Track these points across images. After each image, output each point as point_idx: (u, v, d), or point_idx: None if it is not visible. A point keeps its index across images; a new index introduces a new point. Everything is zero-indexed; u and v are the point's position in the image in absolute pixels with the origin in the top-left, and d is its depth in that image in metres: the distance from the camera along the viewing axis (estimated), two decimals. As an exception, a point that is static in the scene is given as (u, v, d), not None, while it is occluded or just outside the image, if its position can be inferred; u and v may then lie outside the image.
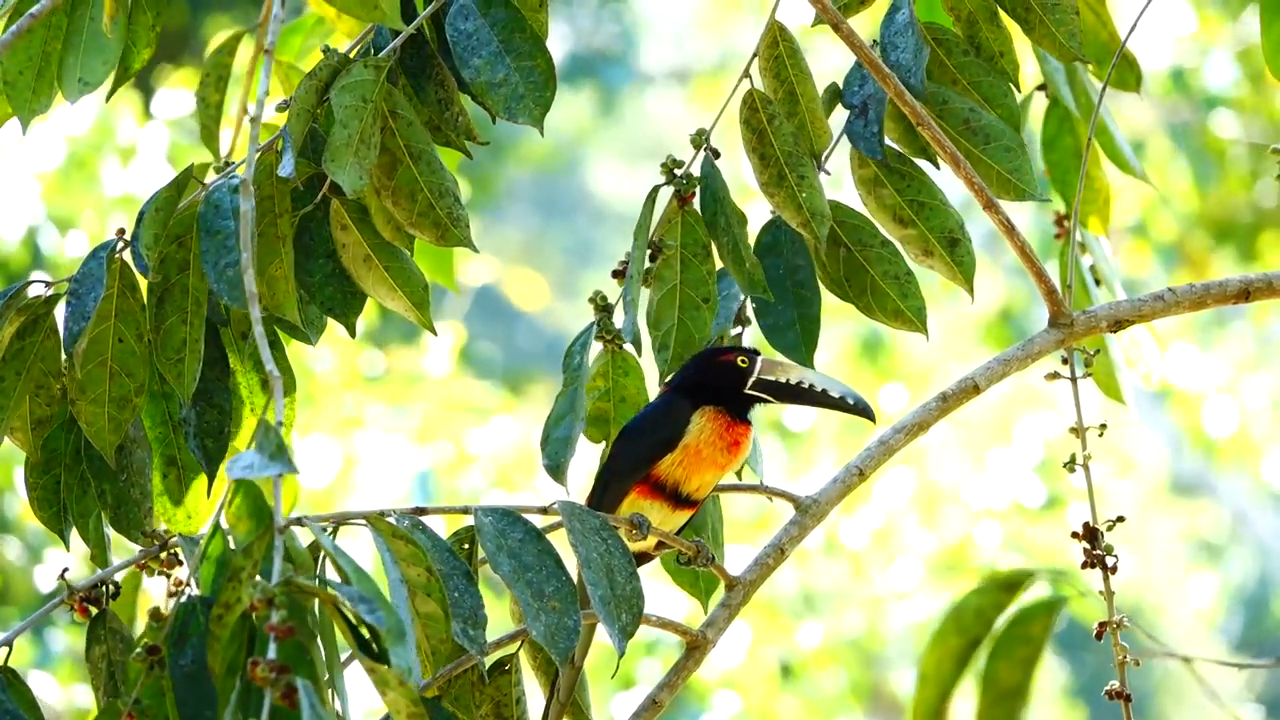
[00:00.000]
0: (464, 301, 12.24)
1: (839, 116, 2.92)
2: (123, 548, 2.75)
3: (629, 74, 12.08)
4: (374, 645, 2.22)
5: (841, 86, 2.91)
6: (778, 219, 2.90)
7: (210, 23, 9.33)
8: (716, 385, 2.75)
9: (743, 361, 2.76)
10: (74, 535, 2.74)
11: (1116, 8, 3.30)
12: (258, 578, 2.15)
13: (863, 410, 2.78)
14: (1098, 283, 3.33)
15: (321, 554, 2.42)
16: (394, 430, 8.42)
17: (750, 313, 2.92)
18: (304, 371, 8.17)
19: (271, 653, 2.10)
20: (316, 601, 2.18)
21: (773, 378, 2.76)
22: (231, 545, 2.28)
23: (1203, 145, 9.28)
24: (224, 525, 2.28)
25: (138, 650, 2.34)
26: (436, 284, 3.12)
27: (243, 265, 2.34)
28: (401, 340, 9.37)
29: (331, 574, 2.33)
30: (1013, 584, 2.08)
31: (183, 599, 2.27)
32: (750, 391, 2.76)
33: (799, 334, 2.87)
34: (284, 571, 2.14)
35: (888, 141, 2.88)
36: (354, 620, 2.21)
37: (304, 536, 2.29)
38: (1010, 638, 2.06)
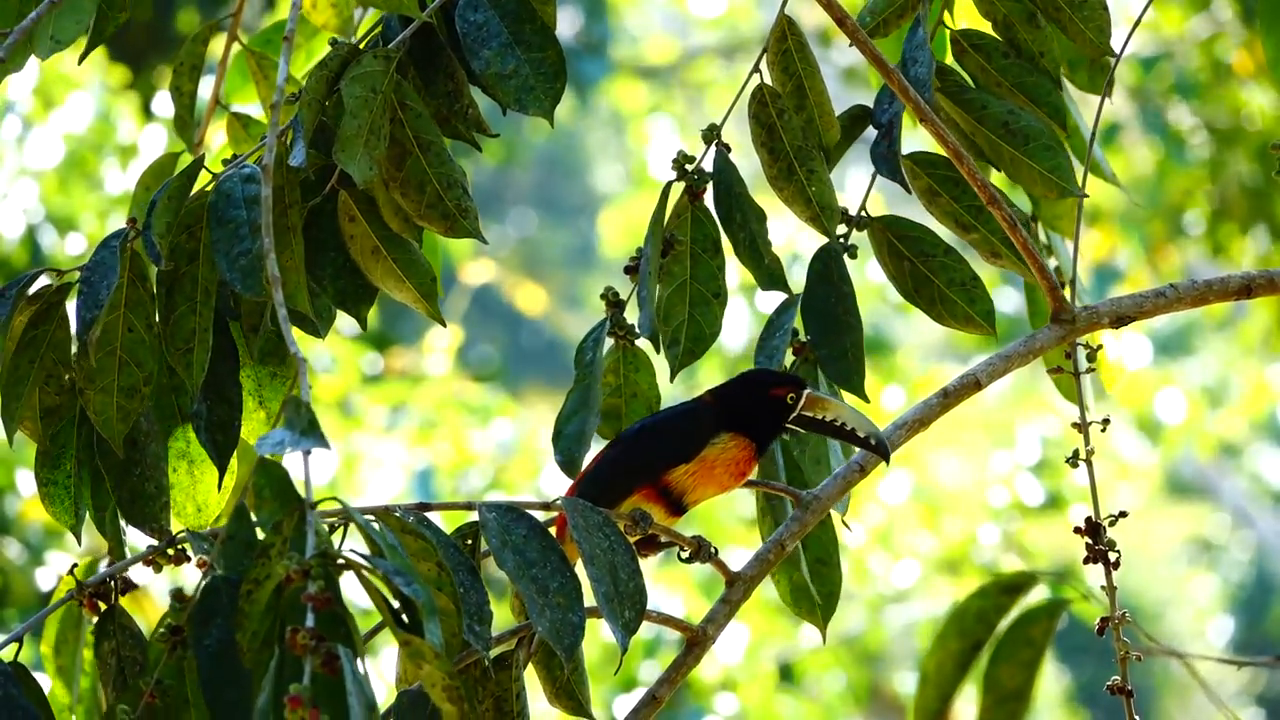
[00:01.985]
0: (462, 301, 12.24)
1: (869, 135, 2.94)
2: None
3: (605, 67, 12.07)
4: (406, 619, 2.22)
5: (872, 105, 2.92)
6: (829, 247, 2.90)
7: (183, 18, 9.33)
8: (758, 413, 2.75)
9: (792, 399, 2.76)
10: (81, 533, 2.74)
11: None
12: (291, 552, 2.15)
13: (880, 449, 2.77)
14: (1063, 284, 3.32)
15: (341, 536, 2.42)
16: (393, 431, 8.42)
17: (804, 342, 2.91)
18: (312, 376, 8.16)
19: (309, 622, 2.09)
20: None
21: (812, 413, 2.77)
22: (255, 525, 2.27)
23: (1166, 133, 9.30)
24: (246, 506, 2.27)
25: (160, 630, 2.34)
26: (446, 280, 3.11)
27: (264, 250, 2.34)
28: (401, 341, 9.37)
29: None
30: (1015, 586, 2.07)
31: (207, 579, 2.26)
32: (789, 425, 2.77)
33: (851, 363, 2.88)
34: (317, 545, 2.14)
35: (937, 151, 2.89)
36: (388, 594, 2.21)
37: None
38: (1012, 640, 2.05)
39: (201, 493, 2.75)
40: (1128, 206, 9.55)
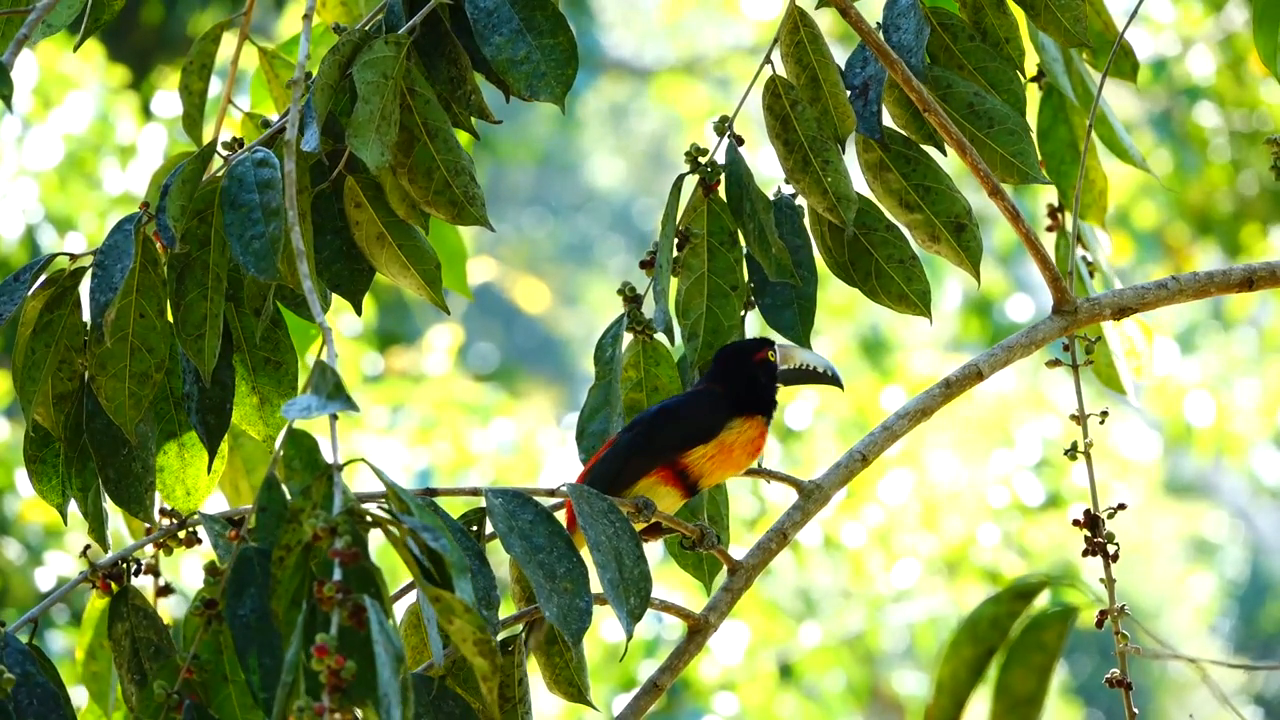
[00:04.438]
0: (461, 301, 12.23)
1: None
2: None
3: (592, 70, 12.08)
4: (436, 576, 2.22)
5: (844, 69, 2.92)
6: (778, 200, 2.92)
7: (202, 18, 9.34)
8: (754, 383, 2.77)
9: (772, 356, 2.79)
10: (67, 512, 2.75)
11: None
12: (318, 511, 2.15)
13: (836, 381, 2.83)
14: (1091, 274, 3.32)
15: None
16: (393, 431, 8.42)
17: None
18: (304, 369, 8.16)
19: (337, 576, 2.10)
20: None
21: (785, 366, 2.80)
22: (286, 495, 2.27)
23: (1185, 135, 9.29)
24: (278, 478, 2.27)
25: (195, 604, 2.34)
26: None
27: (289, 224, 2.35)
28: (401, 340, 9.37)
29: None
30: (1027, 593, 2.07)
31: (239, 550, 2.26)
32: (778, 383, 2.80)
33: (796, 313, 2.89)
34: (344, 503, 2.14)
35: (894, 126, 2.89)
36: (419, 550, 2.21)
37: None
38: (1024, 646, 2.06)
39: (191, 475, 2.76)
40: (1136, 209, 9.54)
